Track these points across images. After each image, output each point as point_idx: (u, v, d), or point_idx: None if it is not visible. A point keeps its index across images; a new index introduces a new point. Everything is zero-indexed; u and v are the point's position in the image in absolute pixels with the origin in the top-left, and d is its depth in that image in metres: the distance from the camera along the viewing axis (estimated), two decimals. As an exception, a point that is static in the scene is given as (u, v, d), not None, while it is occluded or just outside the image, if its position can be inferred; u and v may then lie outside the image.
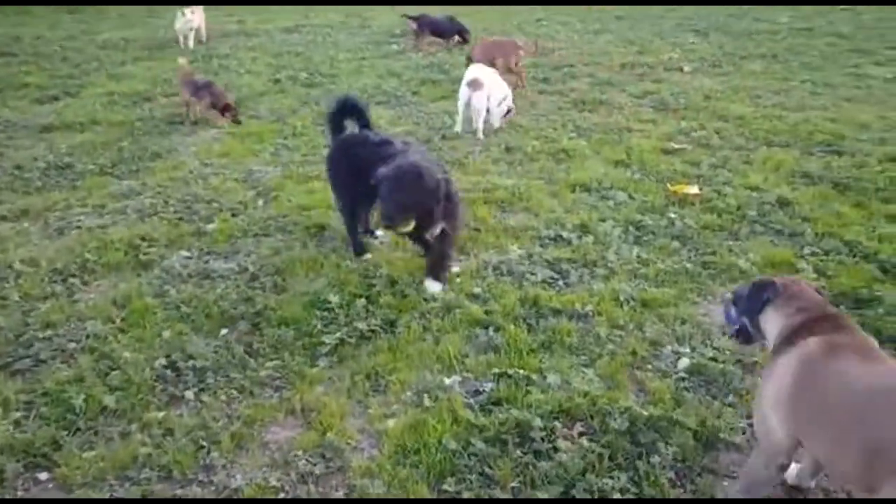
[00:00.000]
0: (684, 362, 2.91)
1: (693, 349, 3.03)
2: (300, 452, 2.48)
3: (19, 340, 3.18)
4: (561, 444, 2.41)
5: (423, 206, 3.27)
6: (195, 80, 6.90)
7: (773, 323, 2.09)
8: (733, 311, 2.28)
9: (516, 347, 2.97)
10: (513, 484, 2.27)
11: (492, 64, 7.00)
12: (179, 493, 2.31)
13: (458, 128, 6.22)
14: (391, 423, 2.60)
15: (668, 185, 4.87)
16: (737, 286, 2.74)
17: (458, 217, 3.57)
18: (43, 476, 2.40)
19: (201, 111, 6.75)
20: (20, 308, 3.46)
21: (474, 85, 5.95)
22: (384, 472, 2.35)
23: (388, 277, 3.63)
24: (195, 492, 2.31)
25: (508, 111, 6.31)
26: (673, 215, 4.39)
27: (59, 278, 3.78)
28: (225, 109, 6.66)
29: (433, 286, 3.49)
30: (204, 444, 2.52)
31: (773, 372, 1.99)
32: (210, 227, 4.41)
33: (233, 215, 4.61)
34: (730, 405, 2.67)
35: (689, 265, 3.76)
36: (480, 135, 6.07)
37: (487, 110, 6.05)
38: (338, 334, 3.13)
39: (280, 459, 2.46)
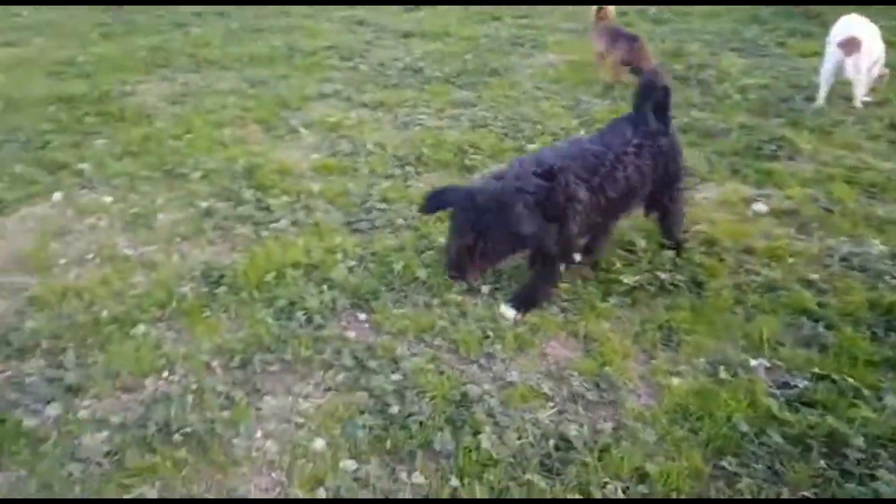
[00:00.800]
0: None
1: None
2: (575, 373, 2.58)
3: (362, 206, 3.83)
4: (883, 474, 2.08)
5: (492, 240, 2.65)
6: (616, 28, 5.93)
7: None
8: None
9: (850, 354, 2.59)
10: (805, 493, 2.05)
11: None
12: (463, 367, 2.60)
13: (820, 101, 5.17)
14: (676, 381, 2.53)
15: None
16: None
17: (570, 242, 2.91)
18: (362, 317, 2.91)
19: (612, 67, 5.78)
20: (367, 181, 4.15)
21: (850, 46, 4.88)
22: (658, 423, 2.32)
23: (706, 236, 3.44)
24: (473, 372, 2.58)
25: (881, 77, 5.23)
26: None
27: (399, 164, 4.40)
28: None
29: (507, 311, 2.89)
30: (490, 335, 2.77)
31: None
32: (530, 146, 4.65)
33: (553, 139, 4.80)
34: None
35: None
36: (858, 102, 5.17)
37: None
38: (637, 278, 3.10)
39: (555, 373, 2.59)
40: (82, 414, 2.38)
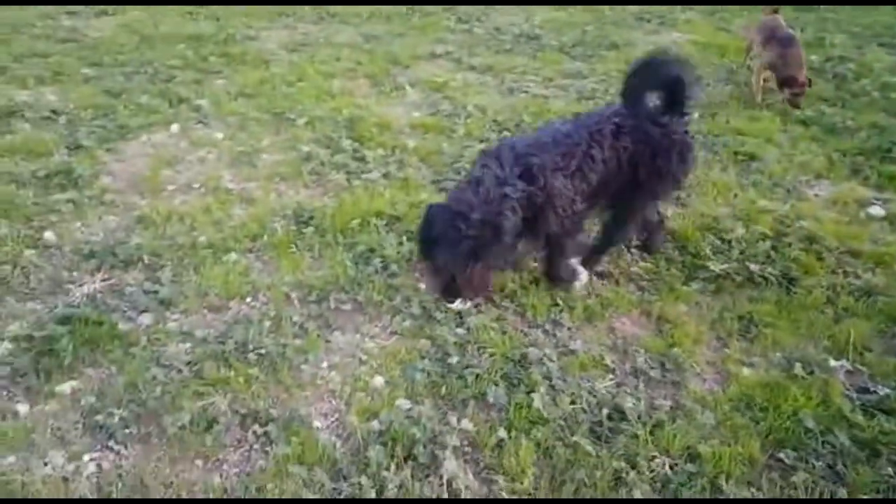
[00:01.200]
0: None
1: None
2: (641, 350, 2.58)
3: (452, 166, 3.93)
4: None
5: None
6: (775, 28, 4.98)
7: None
8: None
9: (944, 369, 2.44)
10: (865, 496, 1.98)
11: None
12: (527, 330, 2.67)
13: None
14: (746, 371, 2.48)
15: None
16: None
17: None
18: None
19: (758, 70, 4.99)
20: (461, 142, 4.24)
21: None
22: (719, 408, 2.29)
23: (808, 233, 3.28)
24: (537, 336, 2.64)
25: None
26: None
27: (497, 128, 4.46)
28: (787, 83, 4.73)
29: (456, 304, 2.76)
30: (559, 303, 2.81)
31: None
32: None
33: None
34: None
35: None
36: None
37: None
38: (724, 266, 3.02)
39: (620, 347, 2.61)
40: (171, 325, 2.65)
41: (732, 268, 3.02)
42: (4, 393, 2.24)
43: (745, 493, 2.01)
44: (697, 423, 2.24)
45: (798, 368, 2.46)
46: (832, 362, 2.50)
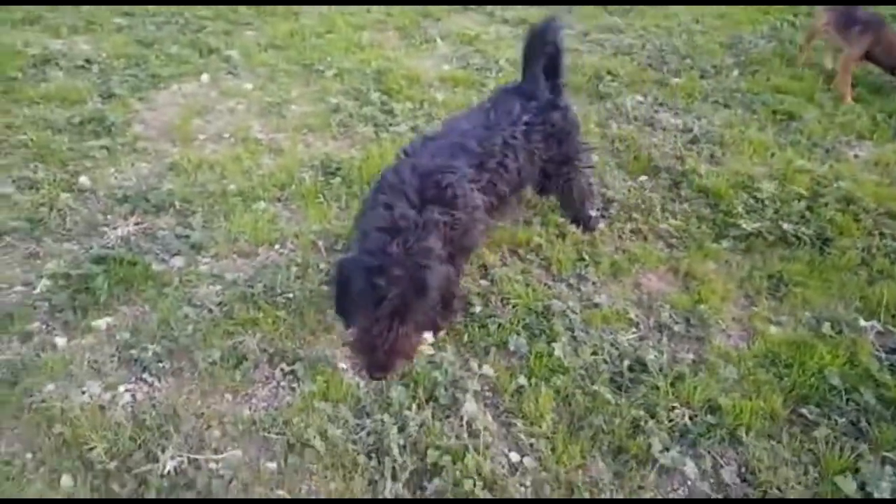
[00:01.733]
0: None
1: None
2: (666, 306, 2.60)
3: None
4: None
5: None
6: (850, 10, 4.44)
7: None
8: None
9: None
10: (888, 453, 2.00)
11: None
12: (551, 284, 2.71)
13: None
14: (773, 329, 2.49)
15: None
16: None
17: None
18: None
19: (845, 61, 4.36)
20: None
21: None
22: (743, 364, 2.32)
23: (846, 193, 3.23)
24: (561, 290, 2.67)
25: None
26: None
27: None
28: None
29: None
30: (585, 258, 2.83)
31: None
32: (675, 80, 4.51)
33: (701, 76, 4.60)
34: None
35: None
36: None
37: None
38: (757, 225, 3.01)
39: (645, 302, 2.63)
40: (202, 268, 2.75)
41: (765, 227, 3.01)
42: (44, 326, 2.36)
43: (765, 445, 2.04)
44: (719, 377, 2.27)
45: (826, 328, 2.47)
46: (862, 322, 2.50)
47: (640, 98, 4.27)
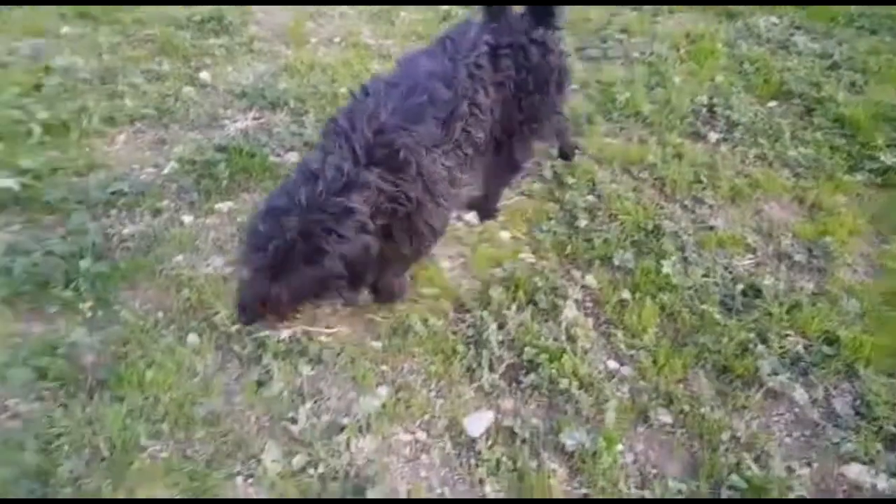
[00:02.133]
0: None
1: None
2: (788, 235, 2.49)
3: (598, 33, 3.81)
4: None
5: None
6: None
7: None
8: None
9: None
10: None
11: None
12: (664, 204, 2.63)
13: None
14: (908, 269, 2.35)
15: None
16: None
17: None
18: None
19: None
20: (610, 9, 4.03)
21: None
22: (867, 299, 2.22)
23: None
24: (674, 210, 2.59)
25: None
26: None
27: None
28: None
29: None
30: (703, 180, 2.73)
31: None
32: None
33: None
34: None
35: None
36: None
37: None
38: (897, 159, 2.80)
39: (765, 229, 2.53)
40: (314, 165, 2.85)
41: (909, 161, 2.79)
42: (172, 205, 2.53)
43: (884, 381, 1.95)
44: (840, 309, 2.18)
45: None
46: None
47: (774, 19, 3.97)
